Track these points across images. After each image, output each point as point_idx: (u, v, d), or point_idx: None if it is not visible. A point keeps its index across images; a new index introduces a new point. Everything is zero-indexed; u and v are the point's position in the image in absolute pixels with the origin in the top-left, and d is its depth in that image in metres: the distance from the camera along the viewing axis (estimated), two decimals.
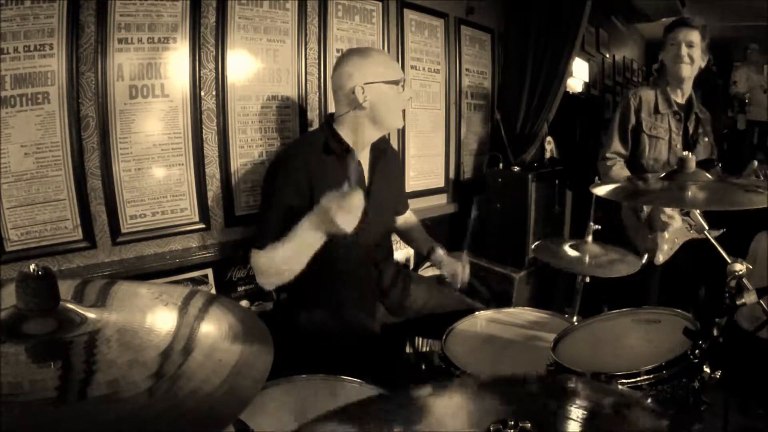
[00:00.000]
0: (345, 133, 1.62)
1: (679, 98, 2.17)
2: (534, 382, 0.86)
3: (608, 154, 2.25)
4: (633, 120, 2.19)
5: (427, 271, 2.51)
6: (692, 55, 2.07)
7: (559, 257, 1.72)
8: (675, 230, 2.08)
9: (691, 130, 2.17)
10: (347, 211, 1.28)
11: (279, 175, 1.55)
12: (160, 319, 0.76)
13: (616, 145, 2.24)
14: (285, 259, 1.42)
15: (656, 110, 2.16)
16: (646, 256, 1.99)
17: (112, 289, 0.87)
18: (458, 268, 1.71)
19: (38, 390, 0.55)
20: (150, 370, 0.61)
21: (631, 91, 2.26)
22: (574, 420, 0.71)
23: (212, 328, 0.75)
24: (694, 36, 2.07)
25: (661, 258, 2.07)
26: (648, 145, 2.16)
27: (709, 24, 2.17)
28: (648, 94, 2.19)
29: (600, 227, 1.74)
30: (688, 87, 2.17)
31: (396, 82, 1.58)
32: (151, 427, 0.53)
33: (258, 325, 0.77)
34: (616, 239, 2.03)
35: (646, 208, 2.10)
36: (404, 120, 1.72)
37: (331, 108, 2.13)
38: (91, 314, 0.68)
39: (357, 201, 1.29)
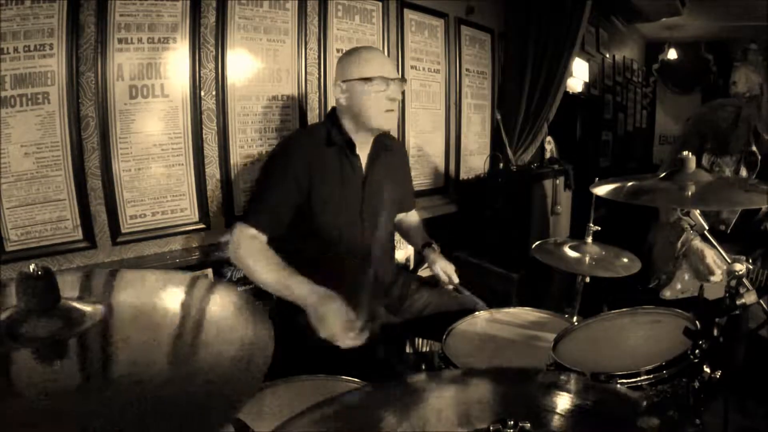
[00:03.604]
0: (346, 125, 1.62)
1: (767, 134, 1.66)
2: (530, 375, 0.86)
3: None
4: (695, 147, 1.75)
5: (426, 271, 2.51)
6: None
7: (559, 258, 1.72)
8: (694, 282, 1.78)
9: None
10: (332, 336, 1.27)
11: (279, 161, 1.56)
12: (166, 307, 0.78)
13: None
14: (261, 277, 1.42)
15: (724, 145, 1.70)
16: (656, 282, 1.84)
17: (115, 282, 0.88)
18: (446, 269, 1.72)
19: (38, 389, 0.55)
20: (161, 355, 0.64)
21: (697, 114, 1.82)
22: (564, 416, 0.71)
23: (218, 308, 0.80)
24: None
25: (668, 294, 1.83)
26: None
27: (708, 24, 2.02)
28: (721, 119, 1.72)
29: (599, 228, 1.73)
30: None
31: (370, 79, 1.52)
32: (171, 405, 0.54)
33: (254, 304, 0.79)
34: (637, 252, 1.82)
35: (691, 231, 1.72)
36: (392, 122, 1.65)
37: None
38: (88, 308, 0.68)
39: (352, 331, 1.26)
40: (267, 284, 1.41)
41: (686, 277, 1.82)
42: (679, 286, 1.83)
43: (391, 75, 1.57)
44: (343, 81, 1.56)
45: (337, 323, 1.26)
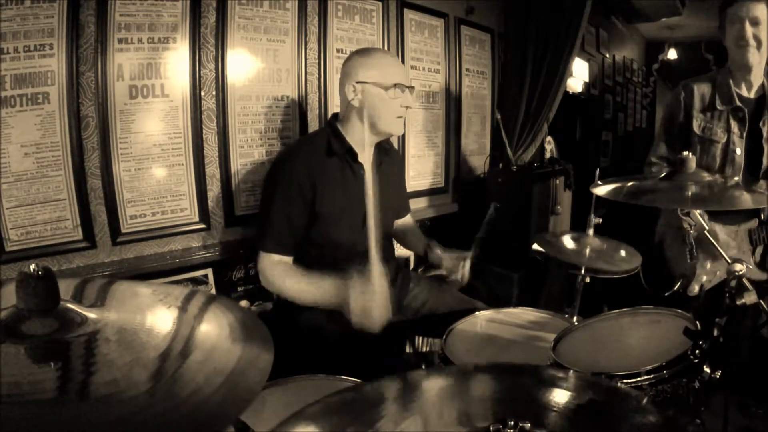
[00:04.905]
0: (347, 132, 1.61)
1: (746, 91, 1.78)
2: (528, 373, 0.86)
3: (653, 158, 1.94)
4: (682, 117, 1.85)
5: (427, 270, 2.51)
6: (759, 36, 1.65)
7: (559, 250, 1.71)
8: (717, 264, 1.72)
9: (765, 133, 1.74)
10: (367, 315, 1.35)
11: (280, 176, 1.55)
12: (160, 319, 0.76)
13: (662, 148, 1.93)
14: (295, 291, 1.50)
15: (711, 106, 1.79)
16: (679, 282, 1.78)
17: (111, 289, 0.87)
18: (458, 265, 1.69)
19: (38, 390, 0.55)
20: (150, 371, 0.61)
21: (682, 83, 1.90)
22: (562, 413, 0.71)
23: (212, 328, 0.75)
24: (761, 10, 1.63)
25: (696, 288, 1.74)
26: (699, 148, 1.78)
27: (708, 24, 2.06)
28: (702, 87, 1.82)
29: (601, 220, 1.72)
30: (758, 77, 1.75)
31: (389, 87, 1.54)
32: (151, 428, 0.52)
33: (258, 325, 0.77)
34: (650, 253, 1.82)
35: (691, 231, 1.68)
36: (402, 127, 1.67)
37: (331, 108, 2.14)
38: (91, 314, 0.68)
39: (382, 305, 1.35)
40: (303, 299, 1.49)
41: (708, 265, 1.73)
42: (704, 277, 1.74)
43: (407, 82, 1.58)
44: (358, 82, 1.54)
45: (370, 305, 1.36)
